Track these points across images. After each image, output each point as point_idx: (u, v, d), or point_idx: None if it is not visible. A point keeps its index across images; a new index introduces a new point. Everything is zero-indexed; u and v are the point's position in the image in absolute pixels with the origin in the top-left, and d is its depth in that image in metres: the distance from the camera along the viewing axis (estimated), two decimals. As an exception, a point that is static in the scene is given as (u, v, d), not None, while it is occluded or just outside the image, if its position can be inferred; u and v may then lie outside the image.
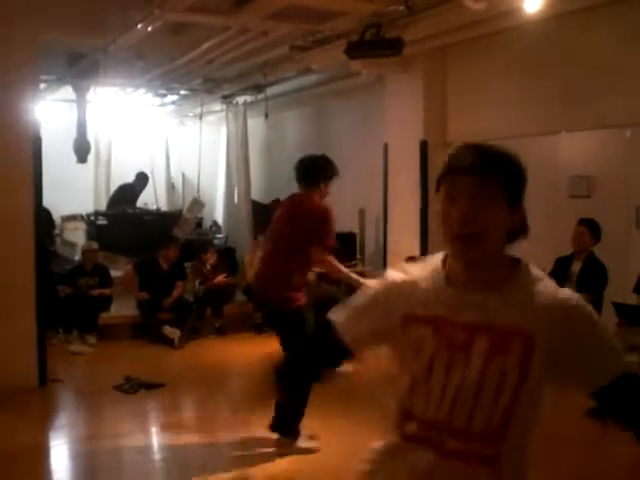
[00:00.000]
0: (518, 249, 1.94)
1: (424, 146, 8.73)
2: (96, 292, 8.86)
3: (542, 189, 7.62)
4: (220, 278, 9.48)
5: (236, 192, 12.24)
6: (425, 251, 8.78)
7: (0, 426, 5.77)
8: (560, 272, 6.36)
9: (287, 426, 5.08)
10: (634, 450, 5.09)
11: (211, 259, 9.64)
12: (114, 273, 9.59)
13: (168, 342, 8.62)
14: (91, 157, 11.69)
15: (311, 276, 5.75)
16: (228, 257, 10.90)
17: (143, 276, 9.37)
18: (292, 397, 5.01)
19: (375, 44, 6.81)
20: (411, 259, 8.57)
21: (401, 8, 6.53)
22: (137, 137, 13.89)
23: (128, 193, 12.82)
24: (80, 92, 10.41)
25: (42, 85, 9.44)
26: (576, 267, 6.30)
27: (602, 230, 6.29)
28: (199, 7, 6.55)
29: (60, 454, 5.51)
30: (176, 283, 9.27)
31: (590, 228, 6.31)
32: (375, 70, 8.97)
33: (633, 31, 6.53)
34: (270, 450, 5.12)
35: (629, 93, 6.61)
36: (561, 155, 7.49)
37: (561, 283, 6.04)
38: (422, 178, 8.75)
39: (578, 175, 7.16)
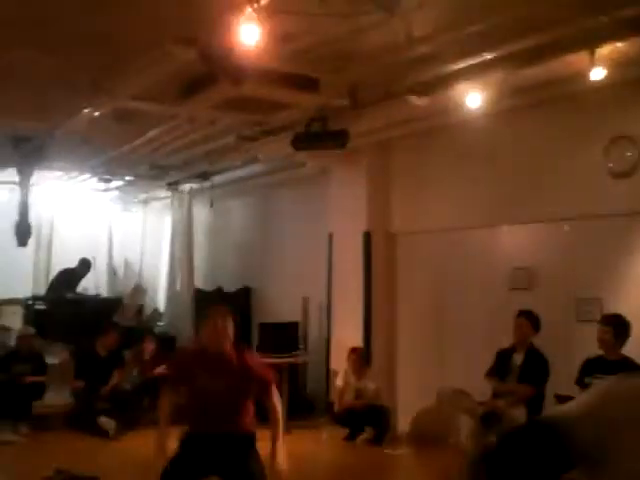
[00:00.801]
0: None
1: (367, 237, 8.81)
2: (30, 379, 8.58)
3: (483, 281, 7.73)
4: (160, 369, 9.27)
5: (179, 279, 12.14)
6: (368, 341, 8.76)
7: None
8: (502, 365, 6.38)
9: None
10: None
11: (149, 348, 9.45)
12: (50, 360, 9.33)
13: (103, 433, 8.34)
14: (32, 240, 11.50)
15: None
16: (169, 346, 10.70)
17: (79, 363, 9.13)
18: None
19: (321, 136, 6.94)
20: (355, 350, 8.53)
21: (346, 102, 6.68)
22: (80, 221, 13.73)
23: (68, 278, 12.60)
24: (24, 175, 10.30)
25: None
26: (517, 359, 6.32)
27: (542, 322, 6.36)
28: (146, 95, 6.60)
29: None
30: (114, 372, 9.03)
31: (529, 319, 6.36)
32: (320, 161, 9.11)
33: (563, 130, 6.80)
34: None
35: (565, 189, 6.81)
36: (502, 247, 7.62)
37: (503, 376, 6.07)
38: (365, 268, 8.79)
39: (518, 267, 7.28)
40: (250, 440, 4.73)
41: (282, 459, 4.63)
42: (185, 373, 4.88)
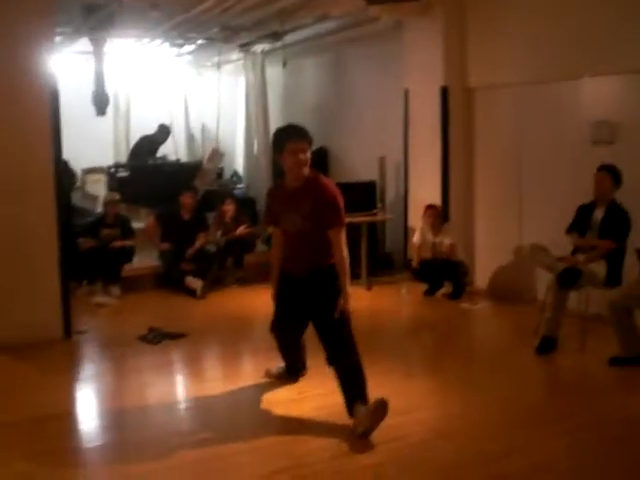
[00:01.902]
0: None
1: (445, 92, 8.62)
2: (118, 243, 8.90)
3: (564, 136, 7.53)
4: (241, 229, 9.49)
5: (255, 141, 12.20)
6: (445, 199, 8.74)
7: (26, 378, 5.86)
8: (582, 220, 6.29)
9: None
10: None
11: (229, 210, 9.63)
12: (136, 224, 9.63)
13: (190, 293, 8.69)
14: (110, 109, 11.66)
15: None
16: (249, 207, 10.91)
17: (165, 227, 9.41)
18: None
19: (394, -12, 6.69)
20: (431, 207, 8.54)
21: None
22: (155, 88, 13.83)
23: (148, 145, 12.81)
24: (97, 44, 10.33)
25: (58, 38, 9.39)
26: (598, 214, 6.21)
27: (625, 177, 6.20)
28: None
29: (85, 405, 5.60)
30: (198, 234, 9.29)
31: (611, 174, 6.20)
32: (394, 15, 8.83)
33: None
34: (293, 396, 5.23)
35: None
36: (584, 100, 7.35)
37: (584, 231, 6.01)
38: (443, 124, 8.66)
39: (601, 121, 7.04)
40: (332, 273, 4.72)
41: (345, 298, 4.68)
42: (274, 214, 4.99)
